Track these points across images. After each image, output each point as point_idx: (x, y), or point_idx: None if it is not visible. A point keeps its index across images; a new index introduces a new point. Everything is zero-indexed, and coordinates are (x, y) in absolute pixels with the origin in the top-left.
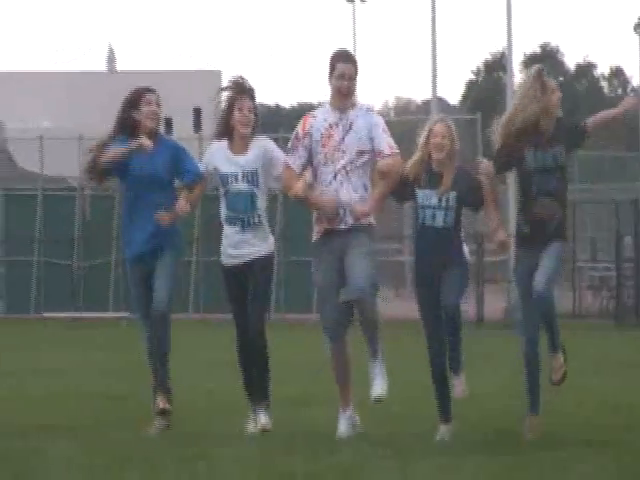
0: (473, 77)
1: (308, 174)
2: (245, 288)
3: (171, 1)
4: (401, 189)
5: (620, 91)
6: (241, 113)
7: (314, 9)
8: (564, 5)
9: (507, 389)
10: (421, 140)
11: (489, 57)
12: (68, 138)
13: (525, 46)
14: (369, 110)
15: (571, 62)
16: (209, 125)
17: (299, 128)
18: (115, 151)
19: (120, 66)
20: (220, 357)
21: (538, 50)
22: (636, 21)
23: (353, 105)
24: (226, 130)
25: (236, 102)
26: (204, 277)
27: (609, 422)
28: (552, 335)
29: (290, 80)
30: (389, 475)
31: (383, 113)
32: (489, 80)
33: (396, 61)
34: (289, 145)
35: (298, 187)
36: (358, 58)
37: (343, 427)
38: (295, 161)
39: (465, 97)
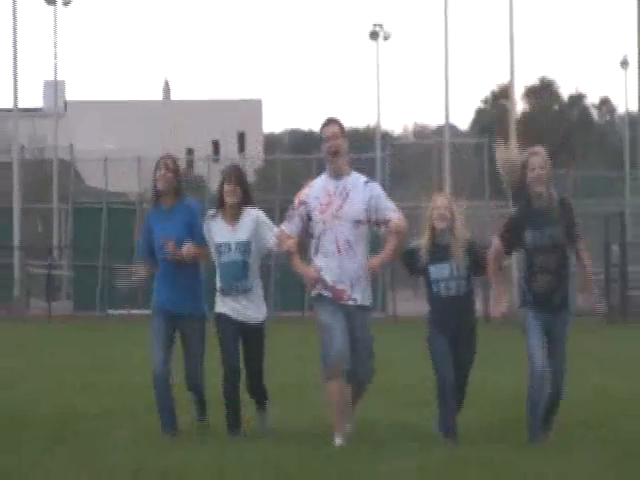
0: (482, 105)
1: (293, 241)
2: (236, 333)
3: (218, 39)
4: (413, 265)
5: (608, 117)
6: (229, 185)
7: (342, 46)
8: (560, 42)
9: (515, 379)
10: (427, 214)
11: (495, 88)
12: (129, 159)
13: (526, 78)
14: (367, 182)
15: (565, 92)
16: (252, 147)
17: (296, 198)
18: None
19: (174, 96)
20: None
21: (537, 82)
22: (621, 58)
23: (349, 173)
24: (221, 203)
25: (226, 176)
26: (279, 280)
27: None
28: (548, 418)
29: (322, 107)
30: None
31: (403, 137)
32: (496, 107)
33: (415, 91)
34: (287, 214)
35: (290, 243)
36: (381, 89)
37: (339, 441)
38: (291, 229)
39: (475, 123)
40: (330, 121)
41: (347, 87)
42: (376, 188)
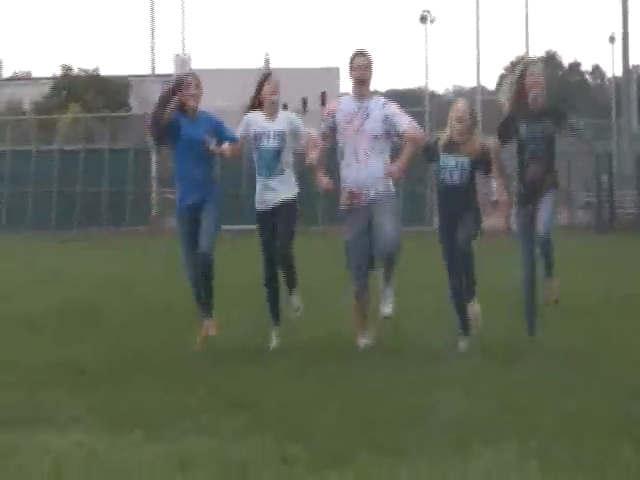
0: (504, 72)
1: (324, 146)
2: (273, 228)
3: (302, 15)
4: (430, 151)
5: (599, 81)
6: (270, 85)
7: (399, 27)
8: (561, 19)
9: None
10: (449, 114)
11: (514, 58)
12: (236, 112)
13: (536, 51)
14: (385, 104)
15: (565, 62)
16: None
17: (326, 110)
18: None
19: (274, 64)
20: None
21: (544, 54)
22: (609, 34)
23: (371, 96)
24: (257, 104)
25: (265, 81)
26: (325, 196)
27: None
28: (549, 265)
29: (386, 72)
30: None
31: (445, 95)
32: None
33: (454, 60)
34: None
35: (313, 157)
36: (429, 58)
37: (364, 341)
38: (318, 130)
39: (499, 85)
40: (360, 53)
41: (404, 57)
42: (392, 107)
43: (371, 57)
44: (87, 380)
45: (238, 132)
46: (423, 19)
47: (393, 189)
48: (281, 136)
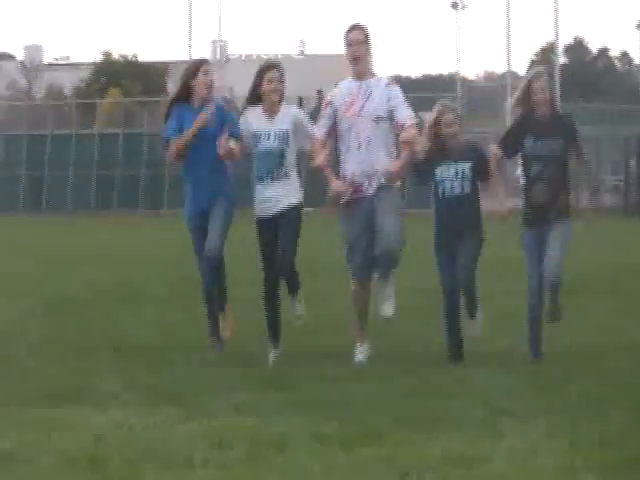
0: (534, 57)
1: (330, 144)
2: (275, 236)
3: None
4: (422, 169)
5: (627, 66)
6: (271, 85)
7: (431, 14)
8: (590, 5)
9: None
10: (431, 119)
11: (544, 44)
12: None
13: (565, 37)
14: (389, 84)
15: (594, 47)
16: None
17: (323, 101)
18: (181, 141)
19: (308, 51)
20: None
21: (572, 40)
22: (637, 21)
23: (372, 75)
24: (256, 99)
25: (264, 74)
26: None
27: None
28: (555, 296)
29: (419, 57)
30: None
31: (476, 81)
32: (544, 61)
33: (485, 46)
34: (318, 117)
35: (320, 159)
36: (461, 44)
37: (360, 356)
38: (320, 129)
39: (529, 70)
40: (354, 27)
41: (436, 43)
42: (396, 90)
43: (367, 31)
44: (124, 356)
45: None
46: (454, 5)
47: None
48: (283, 136)
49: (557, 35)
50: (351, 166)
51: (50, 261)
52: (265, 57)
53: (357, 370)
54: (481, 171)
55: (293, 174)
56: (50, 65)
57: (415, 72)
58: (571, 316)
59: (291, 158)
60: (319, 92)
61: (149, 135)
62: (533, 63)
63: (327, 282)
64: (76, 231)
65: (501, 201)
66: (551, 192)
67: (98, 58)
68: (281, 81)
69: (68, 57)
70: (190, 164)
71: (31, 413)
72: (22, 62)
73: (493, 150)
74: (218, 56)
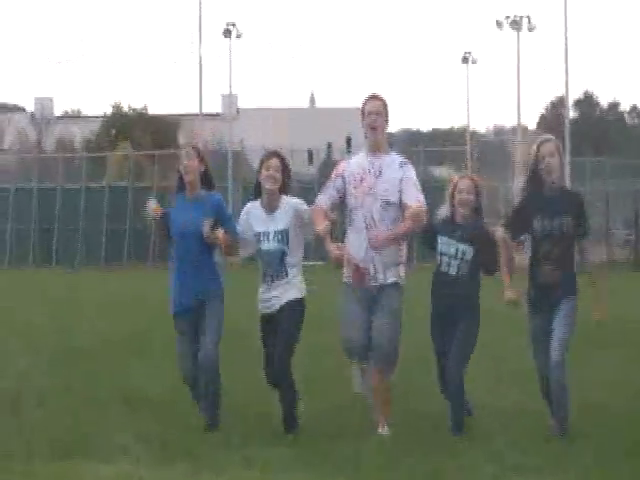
0: (544, 111)
1: (332, 217)
2: (275, 333)
3: (355, 53)
4: (429, 234)
5: (636, 120)
6: (267, 171)
7: (439, 68)
8: (601, 62)
9: None
10: (448, 193)
11: (554, 98)
12: (284, 151)
13: (575, 91)
14: (403, 163)
15: (604, 101)
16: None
17: (334, 171)
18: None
19: (319, 103)
20: None
21: (582, 95)
22: None
23: (387, 152)
24: (259, 190)
25: (264, 162)
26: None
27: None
28: (562, 418)
29: (428, 110)
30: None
31: (486, 134)
32: (553, 114)
33: (495, 100)
34: (324, 185)
35: (321, 228)
36: (470, 99)
37: (382, 430)
38: (325, 200)
39: (540, 123)
40: (373, 97)
41: (446, 97)
42: (409, 171)
43: (386, 102)
44: (135, 409)
45: (238, 226)
46: (465, 60)
47: (403, 275)
48: (282, 236)
49: (567, 89)
50: (357, 249)
51: (60, 312)
52: (275, 110)
53: (366, 425)
54: (486, 259)
55: (295, 272)
56: (60, 118)
57: (425, 126)
58: (582, 369)
59: (293, 257)
60: (329, 145)
61: (158, 188)
62: (543, 118)
63: (331, 335)
64: (86, 283)
65: (507, 286)
66: (559, 272)
67: (108, 111)
68: (281, 169)
69: (79, 110)
70: (177, 258)
71: (39, 465)
72: (32, 114)
73: (499, 235)
74: (229, 109)
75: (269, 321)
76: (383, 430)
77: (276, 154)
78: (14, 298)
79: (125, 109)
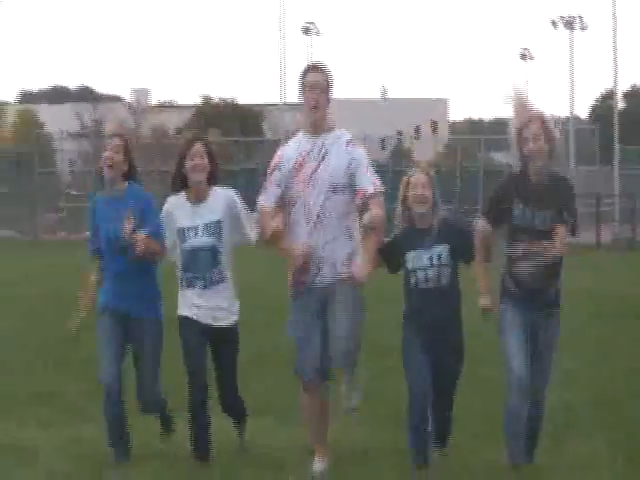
0: (595, 102)
1: (279, 219)
2: (203, 343)
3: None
4: (390, 259)
5: None
6: (192, 161)
7: (498, 64)
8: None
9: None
10: (399, 196)
11: (604, 91)
12: (355, 137)
13: (623, 83)
14: (350, 142)
15: None
16: (442, 132)
17: (271, 163)
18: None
19: (390, 95)
20: None
21: (630, 88)
22: None
23: (330, 130)
24: (181, 182)
25: (186, 150)
26: None
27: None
28: (531, 445)
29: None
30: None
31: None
32: (603, 105)
33: (549, 91)
34: (263, 184)
35: (274, 225)
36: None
37: (319, 465)
38: (267, 199)
39: (590, 115)
40: (314, 68)
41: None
42: (358, 150)
43: (329, 73)
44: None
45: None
46: (523, 56)
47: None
48: (215, 229)
49: (616, 82)
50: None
51: None
52: (349, 101)
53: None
54: (462, 253)
55: (229, 281)
56: (155, 107)
57: (487, 115)
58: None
59: (226, 257)
60: (399, 132)
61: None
62: (594, 109)
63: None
64: None
65: (483, 289)
66: (543, 270)
67: (199, 101)
68: (206, 156)
69: (172, 100)
70: (108, 260)
71: None
72: (130, 104)
73: (480, 225)
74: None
75: (194, 327)
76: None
77: (198, 139)
78: None
79: (215, 100)
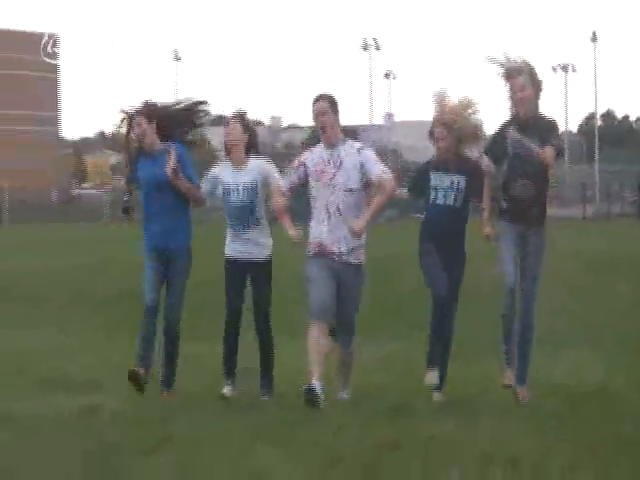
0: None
1: (285, 199)
2: (243, 280)
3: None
4: (418, 180)
5: None
6: (227, 138)
7: None
8: None
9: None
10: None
11: (587, 113)
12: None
13: (600, 109)
14: (361, 149)
15: None
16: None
17: (297, 159)
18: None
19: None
20: None
21: (605, 111)
22: None
23: (343, 142)
24: (228, 151)
25: (226, 129)
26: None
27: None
28: (523, 368)
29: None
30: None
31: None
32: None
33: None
34: (286, 170)
35: (280, 202)
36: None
37: (315, 382)
38: (286, 184)
39: (579, 131)
40: (319, 98)
41: (545, 102)
42: (367, 153)
43: (331, 99)
44: None
45: (202, 188)
46: (564, 68)
47: (363, 258)
48: (251, 189)
49: (596, 107)
50: (321, 236)
51: None
52: (424, 121)
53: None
54: (475, 187)
55: (264, 226)
56: (286, 128)
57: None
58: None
59: (261, 209)
60: None
61: None
62: (581, 126)
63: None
64: None
65: (487, 218)
66: (535, 189)
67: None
68: (243, 133)
69: (298, 123)
70: (147, 207)
71: None
72: (268, 126)
73: (486, 163)
74: (386, 121)
75: (235, 267)
76: (343, 394)
77: (236, 118)
78: None
79: None
